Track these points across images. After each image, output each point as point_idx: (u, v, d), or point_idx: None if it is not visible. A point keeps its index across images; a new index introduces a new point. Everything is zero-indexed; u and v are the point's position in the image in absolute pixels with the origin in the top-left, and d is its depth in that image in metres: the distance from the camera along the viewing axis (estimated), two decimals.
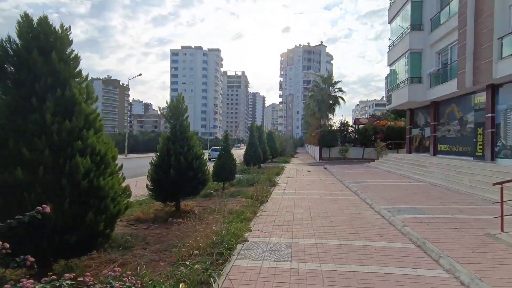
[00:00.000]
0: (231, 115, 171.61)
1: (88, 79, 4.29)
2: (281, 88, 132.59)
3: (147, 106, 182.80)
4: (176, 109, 7.70)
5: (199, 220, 6.94)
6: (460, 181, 11.61)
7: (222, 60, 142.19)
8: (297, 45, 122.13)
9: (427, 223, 6.64)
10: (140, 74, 44.00)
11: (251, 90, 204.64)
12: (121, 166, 4.32)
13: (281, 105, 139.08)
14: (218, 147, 11.72)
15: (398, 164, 18.86)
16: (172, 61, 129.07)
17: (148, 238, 5.62)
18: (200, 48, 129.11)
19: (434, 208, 8.23)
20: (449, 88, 15.79)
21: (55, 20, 3.89)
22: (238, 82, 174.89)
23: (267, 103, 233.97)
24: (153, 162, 7.34)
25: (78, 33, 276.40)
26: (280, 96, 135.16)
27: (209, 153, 28.76)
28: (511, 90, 12.29)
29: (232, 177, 11.58)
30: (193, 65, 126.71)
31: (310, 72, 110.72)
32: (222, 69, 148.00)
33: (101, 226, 3.72)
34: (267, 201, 9.55)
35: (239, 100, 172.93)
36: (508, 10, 11.95)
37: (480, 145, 14.34)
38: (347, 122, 32.47)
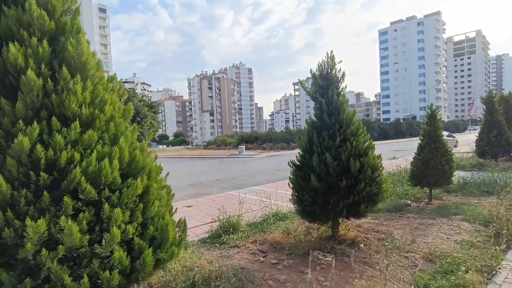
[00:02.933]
0: (462, 90, 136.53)
1: None
2: None
3: (358, 95, 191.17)
4: (324, 79, 4.92)
5: (359, 264, 3.97)
6: None
7: (444, 24, 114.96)
8: None
9: None
10: (341, 61, 42.21)
11: (492, 53, 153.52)
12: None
13: None
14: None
15: None
16: (381, 42, 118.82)
17: None
18: (413, 18, 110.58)
19: None
20: None
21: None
22: (471, 47, 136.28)
23: None
24: (293, 161, 4.99)
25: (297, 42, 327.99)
26: None
27: None
28: None
29: (445, 179, 7.09)
30: (405, 40, 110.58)
31: None
32: (445, 36, 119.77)
33: None
34: None
35: (473, 69, 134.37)
36: None
37: None
38: None
